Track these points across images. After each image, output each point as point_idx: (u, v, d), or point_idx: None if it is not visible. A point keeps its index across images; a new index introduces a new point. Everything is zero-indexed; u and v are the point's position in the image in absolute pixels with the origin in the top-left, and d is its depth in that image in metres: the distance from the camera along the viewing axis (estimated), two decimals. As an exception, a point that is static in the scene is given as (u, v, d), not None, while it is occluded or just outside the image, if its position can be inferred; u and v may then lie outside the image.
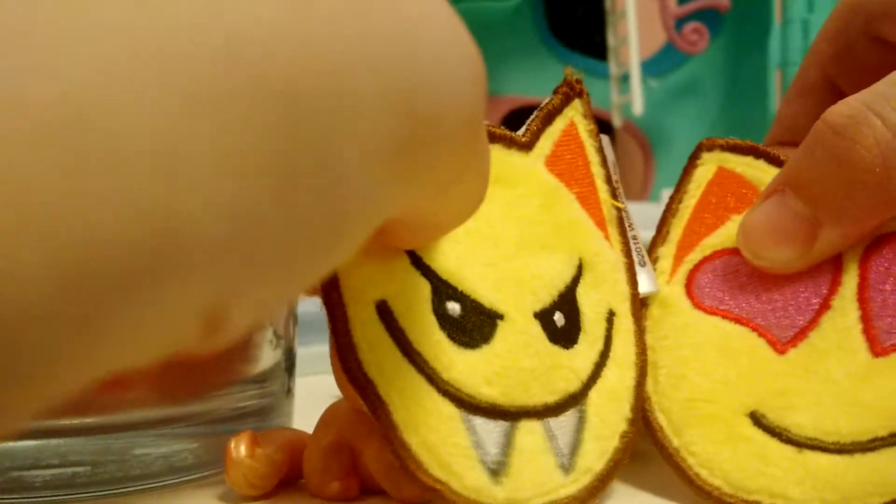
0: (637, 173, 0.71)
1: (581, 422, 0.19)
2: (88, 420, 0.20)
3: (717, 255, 0.22)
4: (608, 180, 0.22)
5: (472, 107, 0.13)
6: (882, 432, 0.19)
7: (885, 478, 0.18)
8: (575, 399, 0.19)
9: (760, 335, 0.21)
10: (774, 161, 0.23)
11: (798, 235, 0.21)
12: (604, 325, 0.20)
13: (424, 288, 0.18)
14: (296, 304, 0.24)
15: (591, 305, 0.20)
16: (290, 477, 0.20)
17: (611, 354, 0.20)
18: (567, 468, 0.18)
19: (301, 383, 0.25)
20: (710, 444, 0.20)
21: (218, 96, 0.08)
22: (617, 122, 0.66)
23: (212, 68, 0.08)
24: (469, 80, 0.13)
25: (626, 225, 0.22)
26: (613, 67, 0.65)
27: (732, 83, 0.69)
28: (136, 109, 0.08)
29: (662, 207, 0.23)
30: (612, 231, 0.22)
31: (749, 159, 0.23)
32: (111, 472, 0.20)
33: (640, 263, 0.22)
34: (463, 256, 0.18)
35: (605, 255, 0.21)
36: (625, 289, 0.21)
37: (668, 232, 0.22)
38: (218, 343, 0.10)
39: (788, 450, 0.19)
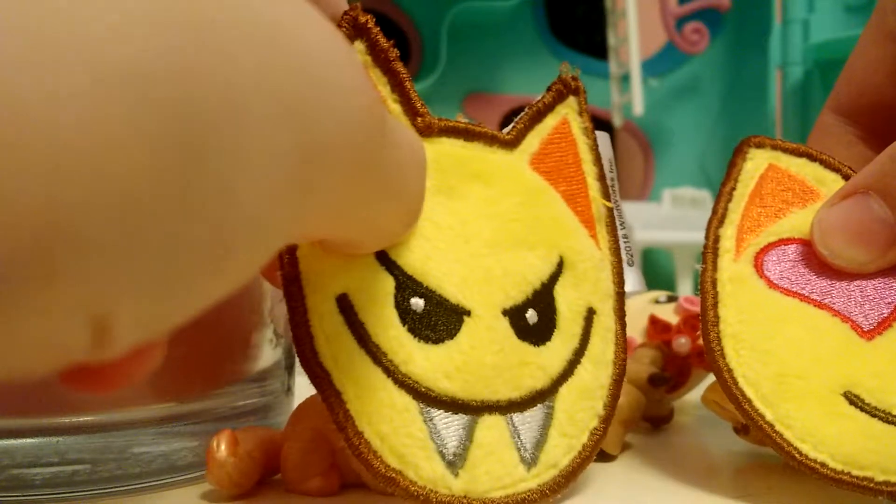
0: (637, 173, 0.71)
1: (548, 418, 0.19)
2: (88, 418, 0.20)
3: (783, 242, 0.22)
4: (600, 178, 0.22)
5: (363, 134, 0.13)
6: None
7: None
8: (542, 395, 0.19)
9: (843, 320, 0.21)
10: (829, 165, 0.23)
11: (878, 239, 0.21)
12: (581, 322, 0.20)
13: (388, 283, 0.18)
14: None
15: (568, 303, 0.20)
16: (263, 474, 0.20)
17: (586, 352, 0.20)
18: (530, 463, 0.18)
19: (301, 382, 0.25)
20: (810, 419, 0.19)
21: (112, 104, 0.08)
22: (617, 121, 0.66)
23: (108, 82, 0.08)
24: (358, 108, 0.13)
25: (617, 224, 0.22)
26: (614, 67, 0.65)
27: (732, 83, 0.69)
28: (28, 102, 0.08)
29: (663, 207, 0.23)
30: (601, 229, 0.22)
31: (803, 161, 0.23)
32: (111, 471, 0.20)
33: (627, 263, 0.22)
34: (431, 252, 0.18)
35: (588, 254, 0.21)
36: (609, 287, 0.21)
37: (724, 215, 0.22)
38: (107, 357, 0.10)
39: (894, 430, 0.19)
